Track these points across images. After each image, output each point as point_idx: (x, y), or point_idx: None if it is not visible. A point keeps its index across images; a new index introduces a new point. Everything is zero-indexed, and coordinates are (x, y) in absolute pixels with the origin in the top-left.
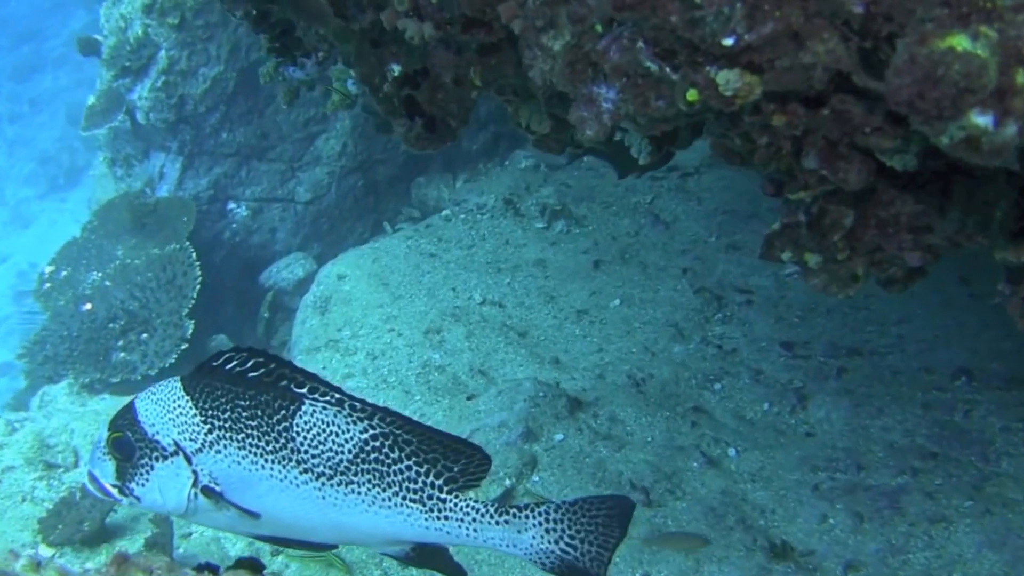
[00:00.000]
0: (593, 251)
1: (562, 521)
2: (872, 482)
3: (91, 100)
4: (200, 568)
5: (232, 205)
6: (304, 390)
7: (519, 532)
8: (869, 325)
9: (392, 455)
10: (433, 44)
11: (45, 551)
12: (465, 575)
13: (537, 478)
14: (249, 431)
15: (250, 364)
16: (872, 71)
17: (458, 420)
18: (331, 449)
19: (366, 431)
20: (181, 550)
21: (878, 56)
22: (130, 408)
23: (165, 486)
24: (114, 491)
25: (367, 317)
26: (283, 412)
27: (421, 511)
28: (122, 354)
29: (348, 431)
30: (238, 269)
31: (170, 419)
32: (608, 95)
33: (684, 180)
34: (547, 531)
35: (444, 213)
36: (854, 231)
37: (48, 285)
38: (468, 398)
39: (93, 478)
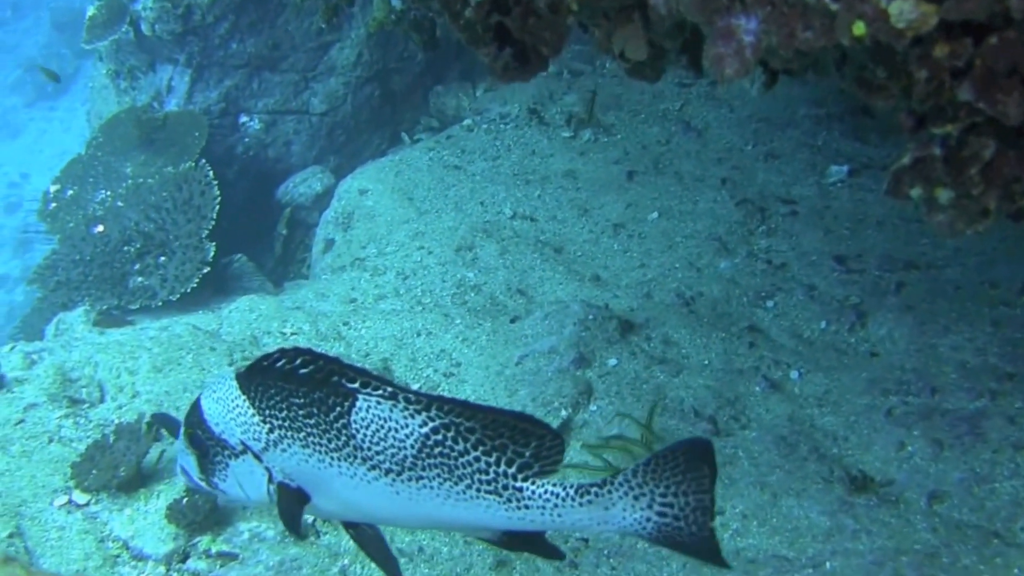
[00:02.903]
0: (624, 161)
1: (647, 483)
2: (948, 406)
3: (91, 11)
4: None
5: (244, 118)
6: (356, 385)
7: (606, 509)
8: (923, 237)
9: (457, 447)
10: None
11: (80, 497)
12: (563, 557)
13: (595, 407)
14: (309, 429)
15: (299, 361)
16: None
17: (503, 345)
18: (393, 445)
19: (425, 424)
20: None
21: None
22: (197, 406)
23: (244, 482)
24: (203, 484)
25: (393, 233)
26: (338, 409)
27: (499, 502)
28: (140, 279)
29: (407, 425)
30: (252, 184)
31: (231, 419)
32: (749, 27)
33: (713, 87)
34: (636, 498)
35: (465, 123)
36: (991, 163)
37: (54, 205)
38: (512, 321)
39: (184, 470)
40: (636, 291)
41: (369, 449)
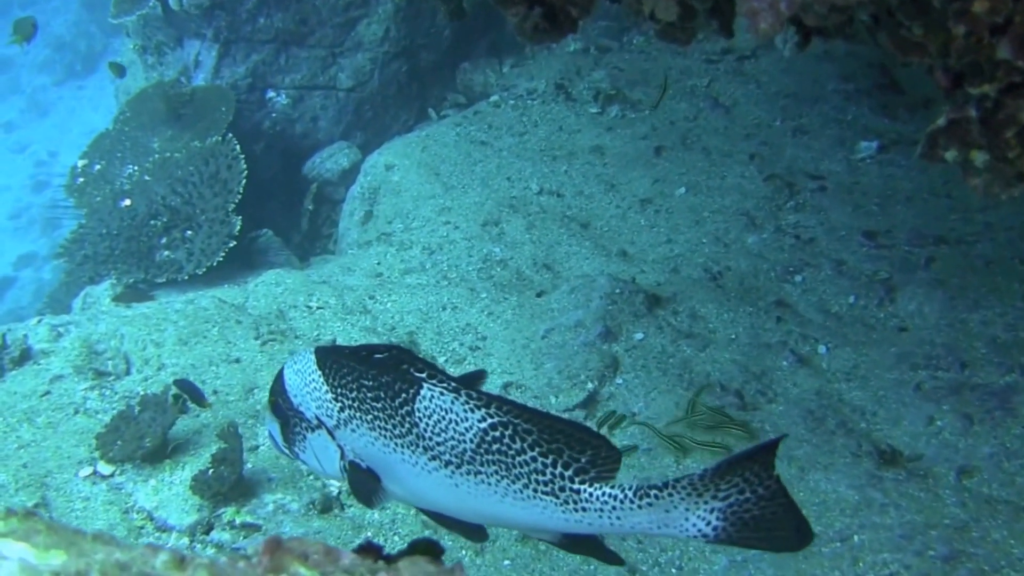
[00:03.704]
0: (652, 136)
1: (712, 482)
2: (978, 381)
3: None
4: (363, 550)
5: (271, 93)
6: (423, 375)
7: (667, 511)
8: (952, 213)
9: (514, 446)
10: None
11: (105, 468)
12: (622, 563)
13: (620, 380)
14: (376, 412)
15: (372, 347)
16: None
17: (529, 319)
18: (453, 437)
19: (484, 420)
20: (249, 465)
21: None
22: (281, 376)
23: (320, 455)
24: (287, 450)
25: (419, 209)
26: (404, 396)
27: (556, 503)
28: (166, 252)
29: (467, 419)
30: (279, 160)
31: (308, 393)
32: None
33: (741, 63)
34: (699, 495)
35: (492, 99)
36: None
37: (81, 180)
38: (538, 295)
39: (271, 435)
40: (663, 266)
41: (430, 439)
